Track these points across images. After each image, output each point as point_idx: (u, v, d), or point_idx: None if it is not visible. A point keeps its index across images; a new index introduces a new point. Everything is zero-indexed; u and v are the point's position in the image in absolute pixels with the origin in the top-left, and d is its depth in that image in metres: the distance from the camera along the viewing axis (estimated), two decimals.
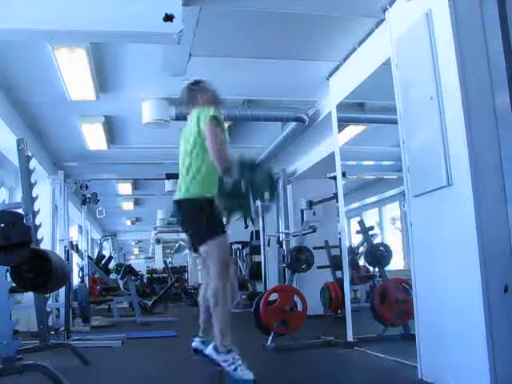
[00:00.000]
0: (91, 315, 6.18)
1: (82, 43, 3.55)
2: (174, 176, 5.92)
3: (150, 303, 8.42)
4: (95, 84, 4.26)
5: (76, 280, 6.74)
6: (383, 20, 3.16)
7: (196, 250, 2.85)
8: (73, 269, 6.35)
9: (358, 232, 4.97)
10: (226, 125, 2.83)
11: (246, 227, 8.60)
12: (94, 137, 5.75)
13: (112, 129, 5.64)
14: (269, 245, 6.79)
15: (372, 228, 4.99)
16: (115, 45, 3.72)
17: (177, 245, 18.34)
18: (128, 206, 11.05)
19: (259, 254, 7.57)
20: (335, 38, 3.71)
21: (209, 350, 2.68)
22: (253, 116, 4.85)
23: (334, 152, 4.16)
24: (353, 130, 5.01)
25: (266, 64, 4.16)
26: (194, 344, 2.94)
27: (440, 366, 2.53)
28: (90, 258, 7.43)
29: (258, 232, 7.90)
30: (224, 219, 2.82)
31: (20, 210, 3.31)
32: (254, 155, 2.82)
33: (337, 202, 4.30)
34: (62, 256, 5.21)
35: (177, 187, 2.90)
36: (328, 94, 4.41)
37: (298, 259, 4.58)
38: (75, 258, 7.00)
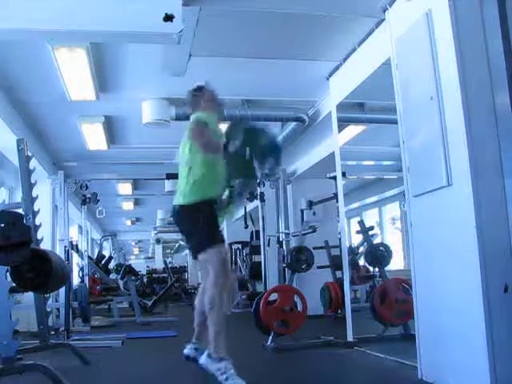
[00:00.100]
0: (91, 315, 6.18)
1: (82, 43, 3.55)
2: (173, 176, 5.91)
3: (150, 303, 8.42)
4: (95, 84, 4.26)
5: (76, 280, 6.74)
6: (383, 20, 3.16)
7: (195, 257, 2.86)
8: (73, 269, 6.35)
9: (358, 232, 4.97)
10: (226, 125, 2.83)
11: (246, 227, 8.60)
12: (94, 137, 5.75)
13: (112, 129, 5.64)
14: (269, 245, 6.79)
15: (372, 228, 4.99)
16: (115, 45, 3.72)
17: (177, 245, 18.35)
18: (128, 205, 11.05)
19: (259, 253, 7.56)
20: (335, 38, 3.71)
21: (203, 359, 2.66)
22: (253, 116, 4.85)
23: (333, 152, 4.16)
24: (353, 130, 5.01)
25: (265, 64, 4.17)
26: (185, 351, 2.94)
27: (440, 366, 2.53)
28: (90, 257, 7.43)
29: (257, 232, 7.90)
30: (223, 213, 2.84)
31: (20, 210, 3.31)
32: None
33: (337, 202, 4.30)
34: (62, 256, 5.21)
35: (176, 193, 2.91)
36: (328, 93, 4.41)
37: (298, 259, 4.57)
38: (75, 258, 7.00)
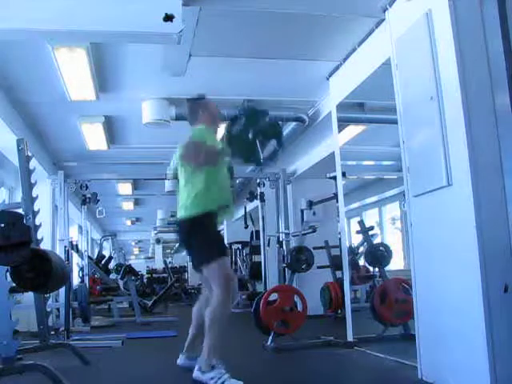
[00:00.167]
0: (91, 315, 6.18)
1: (82, 43, 3.55)
2: (174, 176, 5.91)
3: (150, 303, 8.42)
4: (95, 84, 4.26)
5: (76, 280, 6.74)
6: (383, 20, 3.16)
7: (199, 270, 2.86)
8: (73, 269, 6.35)
9: (358, 232, 4.97)
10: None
11: (246, 227, 8.60)
12: (94, 137, 5.75)
13: (112, 129, 5.64)
14: (269, 245, 6.79)
15: (372, 228, 4.99)
16: (115, 45, 3.72)
17: (177, 245, 18.34)
18: (128, 205, 11.05)
19: (259, 253, 7.57)
20: (335, 38, 3.71)
21: (194, 374, 2.65)
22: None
23: (333, 152, 4.17)
24: (353, 130, 5.01)
25: (265, 64, 4.16)
26: (179, 361, 2.94)
27: (440, 366, 2.53)
28: (90, 257, 7.43)
29: (257, 232, 7.91)
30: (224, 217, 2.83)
31: (20, 210, 3.31)
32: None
33: (337, 202, 4.30)
34: (62, 256, 5.21)
35: (178, 207, 2.90)
36: (328, 93, 4.41)
37: (298, 259, 4.57)
38: (75, 258, 7.00)
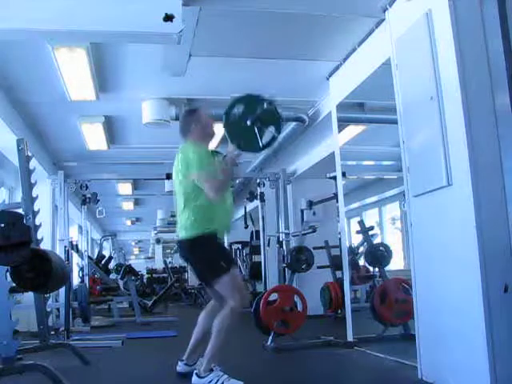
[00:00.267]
0: (91, 315, 6.18)
1: (82, 43, 3.55)
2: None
3: (150, 303, 8.42)
4: (95, 84, 4.26)
5: (76, 280, 6.74)
6: (383, 20, 3.16)
7: (209, 286, 2.87)
8: (73, 269, 6.35)
9: (358, 232, 4.97)
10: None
11: (246, 227, 8.58)
12: (94, 137, 5.75)
13: (112, 129, 5.64)
14: (269, 245, 6.78)
15: (372, 228, 4.99)
16: (115, 45, 3.72)
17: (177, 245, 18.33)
18: (128, 205, 11.05)
19: (259, 253, 7.56)
20: (335, 38, 3.71)
21: (193, 380, 2.66)
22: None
23: (333, 152, 4.17)
24: (353, 130, 5.01)
25: (265, 64, 4.16)
26: (178, 369, 2.94)
27: (440, 366, 2.53)
28: (90, 257, 7.43)
29: (257, 232, 7.90)
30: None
31: (20, 210, 3.31)
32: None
33: (337, 202, 4.30)
34: (62, 256, 5.21)
35: (177, 226, 2.88)
36: (328, 93, 4.41)
37: (298, 259, 4.57)
38: (75, 258, 7.00)
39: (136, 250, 22.47)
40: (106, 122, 5.34)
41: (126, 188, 8.93)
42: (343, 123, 4.32)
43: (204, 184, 2.65)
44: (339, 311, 5.37)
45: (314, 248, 4.98)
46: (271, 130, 2.63)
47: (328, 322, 5.65)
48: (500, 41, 2.35)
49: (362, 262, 5.25)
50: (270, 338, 3.89)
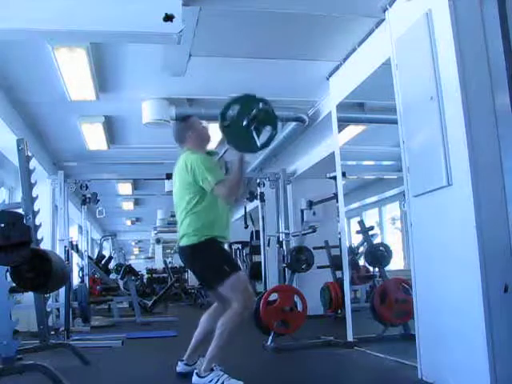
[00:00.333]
0: (91, 315, 6.18)
1: (82, 43, 3.55)
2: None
3: (150, 303, 8.42)
4: (95, 84, 4.26)
5: (76, 280, 6.74)
6: (383, 20, 3.16)
7: (212, 290, 2.89)
8: (73, 269, 6.35)
9: (358, 232, 4.97)
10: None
11: (246, 227, 8.57)
12: (94, 137, 5.75)
13: (112, 129, 5.64)
14: (269, 245, 6.78)
15: (372, 228, 4.99)
16: (115, 45, 3.72)
17: (177, 245, 18.32)
18: (128, 205, 11.05)
19: (259, 253, 7.56)
20: (335, 38, 3.71)
21: (193, 380, 2.66)
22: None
23: (333, 152, 4.17)
24: (353, 130, 5.01)
25: (265, 64, 4.16)
26: (178, 369, 2.95)
27: (440, 366, 2.53)
28: (90, 258, 7.43)
29: (257, 232, 7.90)
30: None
31: (20, 210, 3.31)
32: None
33: (337, 202, 4.30)
34: (62, 256, 5.21)
35: (178, 231, 2.89)
36: (328, 93, 4.41)
37: (298, 259, 4.57)
38: (75, 258, 7.00)
39: (136, 250, 22.47)
40: (106, 121, 5.34)
41: (126, 188, 8.93)
42: (343, 123, 4.32)
43: (223, 191, 2.66)
44: (339, 311, 5.37)
45: (314, 248, 4.98)
46: (268, 129, 2.62)
47: (328, 322, 5.65)
48: (500, 41, 2.35)
49: (362, 262, 5.25)
50: (270, 338, 3.89)
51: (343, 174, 4.09)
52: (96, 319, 6.47)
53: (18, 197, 4.17)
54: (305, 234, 5.32)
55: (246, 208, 8.08)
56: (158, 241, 16.80)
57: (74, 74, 4.01)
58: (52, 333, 4.06)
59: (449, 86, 2.43)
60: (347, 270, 3.96)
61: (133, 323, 6.41)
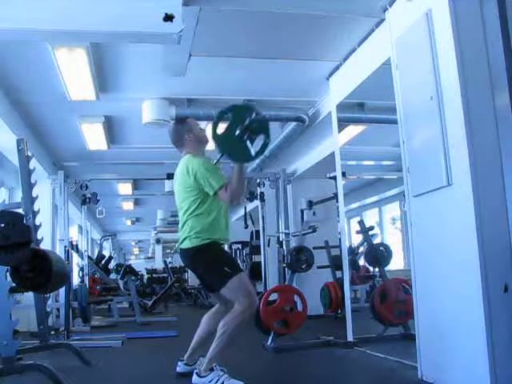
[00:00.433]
0: (91, 315, 6.18)
1: (82, 43, 3.55)
2: (174, 176, 5.92)
3: (150, 303, 8.42)
4: (95, 84, 4.26)
5: (76, 280, 6.74)
6: (383, 20, 3.16)
7: (213, 292, 2.90)
8: (73, 269, 6.35)
9: (357, 232, 4.98)
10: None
11: (246, 227, 8.58)
12: (93, 137, 5.75)
13: (112, 129, 5.64)
14: (269, 245, 6.78)
15: (372, 228, 5.00)
16: (115, 45, 3.71)
17: (177, 245, 18.32)
18: (128, 205, 11.04)
19: (259, 254, 7.56)
20: (335, 38, 3.71)
21: (193, 380, 2.67)
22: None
23: (333, 152, 4.17)
24: (353, 130, 5.01)
25: (265, 64, 4.16)
26: (178, 369, 2.95)
27: (440, 366, 2.53)
28: (90, 257, 7.42)
29: (257, 232, 7.90)
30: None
31: (20, 210, 3.31)
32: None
33: (337, 201, 4.30)
34: (62, 256, 5.21)
35: (179, 233, 2.90)
36: (328, 93, 4.41)
37: (298, 259, 4.57)
38: (75, 258, 7.00)
39: (136, 250, 22.48)
40: (106, 121, 5.34)
41: (125, 188, 8.93)
42: (343, 123, 4.32)
43: (226, 196, 2.67)
44: (339, 311, 5.36)
45: (314, 248, 4.98)
46: (261, 137, 2.62)
47: (328, 322, 5.65)
48: (500, 41, 2.35)
49: (362, 262, 5.25)
50: (270, 338, 3.89)
51: (343, 174, 4.09)
52: (96, 319, 6.48)
53: (18, 197, 4.16)
54: (305, 234, 5.32)
55: (246, 208, 8.08)
56: (157, 241, 16.81)
57: (74, 74, 4.01)
58: (52, 333, 4.06)
59: (449, 86, 2.43)
60: (347, 270, 3.96)
61: (133, 323, 6.41)
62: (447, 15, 2.41)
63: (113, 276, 9.38)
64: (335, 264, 5.55)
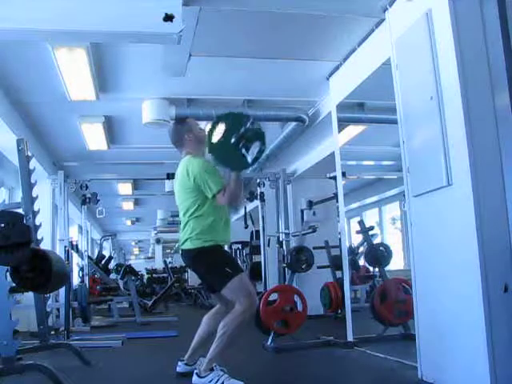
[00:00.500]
0: (91, 315, 6.18)
1: (82, 43, 3.55)
2: (174, 176, 5.92)
3: (150, 303, 8.42)
4: (95, 84, 4.26)
5: (76, 280, 6.74)
6: (383, 20, 3.16)
7: (214, 292, 2.91)
8: (73, 269, 6.35)
9: (357, 232, 4.97)
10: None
11: (246, 227, 8.59)
12: (93, 137, 5.75)
13: (112, 129, 5.64)
14: (269, 245, 6.78)
15: (372, 228, 4.99)
16: (115, 45, 3.71)
17: (177, 245, 18.34)
18: (128, 205, 11.04)
19: (259, 254, 7.56)
20: (335, 38, 3.71)
21: (194, 380, 2.67)
22: (253, 116, 4.83)
23: (333, 152, 4.17)
24: (353, 130, 5.01)
25: (265, 64, 4.16)
26: (178, 369, 2.95)
27: (440, 366, 2.53)
28: (90, 257, 7.42)
29: (257, 232, 7.90)
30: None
31: (20, 210, 3.31)
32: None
33: (337, 201, 4.30)
34: (62, 256, 5.21)
35: (180, 234, 2.91)
36: (328, 93, 4.41)
37: (298, 259, 4.57)
38: (75, 258, 7.00)
39: (136, 250, 22.48)
40: (106, 121, 5.34)
41: (125, 188, 8.93)
42: (343, 123, 4.32)
43: (224, 199, 2.68)
44: (339, 311, 5.36)
45: (314, 248, 4.98)
46: (257, 144, 2.61)
47: (328, 322, 5.65)
48: (500, 41, 2.35)
49: (362, 262, 5.25)
50: (270, 338, 3.89)
51: (343, 174, 4.09)
52: (96, 319, 6.48)
53: (18, 197, 4.16)
54: (305, 234, 5.32)
55: (246, 208, 8.08)
56: (157, 241, 16.81)
57: (74, 73, 4.01)
58: (52, 333, 4.06)
59: (449, 86, 2.43)
60: (347, 270, 3.96)
61: (133, 323, 6.41)
62: (447, 15, 2.41)
63: (113, 276, 9.38)
64: (335, 264, 5.55)
